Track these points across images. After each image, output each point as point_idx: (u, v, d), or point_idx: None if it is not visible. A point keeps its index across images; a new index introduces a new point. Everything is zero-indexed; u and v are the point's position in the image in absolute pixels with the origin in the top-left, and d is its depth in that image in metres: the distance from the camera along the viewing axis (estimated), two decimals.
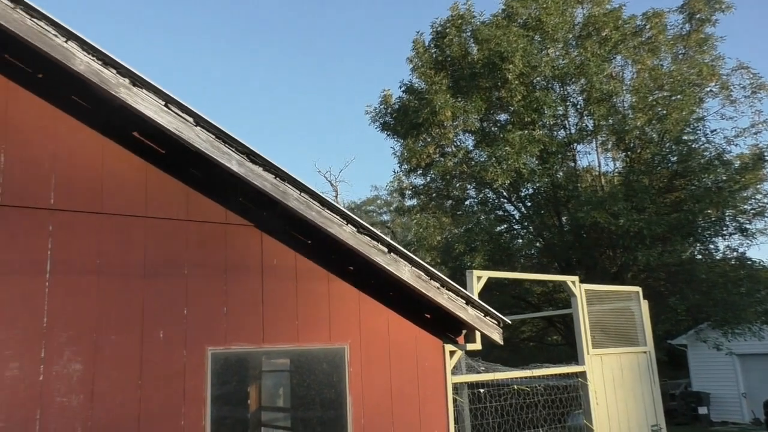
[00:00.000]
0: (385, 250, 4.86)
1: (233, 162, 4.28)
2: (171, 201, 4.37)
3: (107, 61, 3.87)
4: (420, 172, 19.38)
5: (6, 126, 3.86)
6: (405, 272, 4.94)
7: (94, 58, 3.84)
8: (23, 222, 3.79)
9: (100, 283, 3.98)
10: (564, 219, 17.39)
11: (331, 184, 32.60)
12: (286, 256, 4.80)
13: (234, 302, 4.46)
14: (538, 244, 18.35)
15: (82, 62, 3.80)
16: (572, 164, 18.01)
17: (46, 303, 3.77)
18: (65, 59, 3.75)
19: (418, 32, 22.63)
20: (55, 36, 3.73)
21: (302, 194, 4.53)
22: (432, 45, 19.19)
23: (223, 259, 4.49)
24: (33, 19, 3.67)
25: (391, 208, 34.26)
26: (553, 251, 17.15)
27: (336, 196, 32.22)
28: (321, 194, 4.58)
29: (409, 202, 21.64)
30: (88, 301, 3.91)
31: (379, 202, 37.33)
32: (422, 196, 20.17)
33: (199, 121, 4.15)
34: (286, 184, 4.47)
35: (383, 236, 4.89)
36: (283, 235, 4.80)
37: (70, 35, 3.76)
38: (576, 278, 7.73)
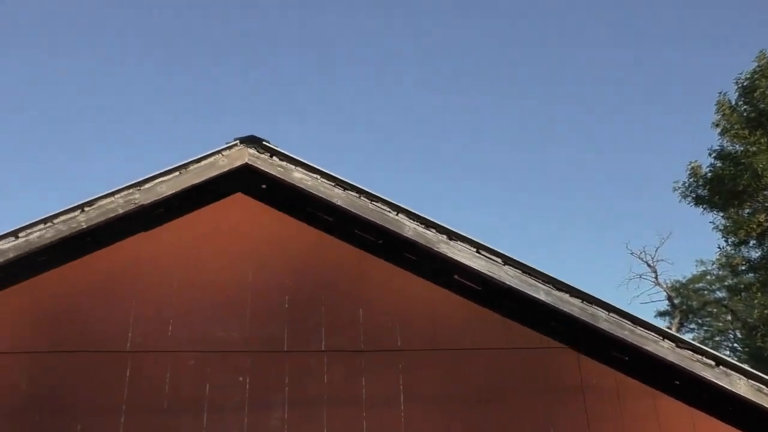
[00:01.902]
0: (712, 363, 4.60)
1: (540, 292, 4.68)
2: (491, 331, 4.92)
3: (428, 224, 4.74)
4: (752, 243, 17.12)
5: (361, 285, 4.94)
6: (741, 386, 4.57)
7: (418, 224, 4.75)
8: (380, 363, 4.71)
9: (442, 410, 4.64)
10: None
11: (648, 265, 30.45)
12: (605, 375, 4.88)
13: (560, 425, 4.69)
14: None
15: (409, 228, 4.73)
16: None
17: (403, 429, 4.54)
18: (398, 228, 4.73)
19: (720, 92, 20.75)
20: (389, 212, 4.75)
21: (611, 314, 4.67)
22: (740, 102, 17.41)
23: (544, 383, 4.81)
24: (373, 202, 4.75)
25: (725, 284, 30.28)
26: None
27: (656, 277, 29.91)
28: (631, 314, 4.65)
29: (745, 276, 19.06)
30: (433, 427, 4.58)
31: (708, 278, 33.32)
32: (761, 271, 17.60)
33: (507, 261, 4.70)
34: (594, 306, 4.67)
35: (707, 349, 4.65)
36: (599, 355, 4.93)
37: (399, 209, 4.74)
38: None
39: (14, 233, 4.31)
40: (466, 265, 4.72)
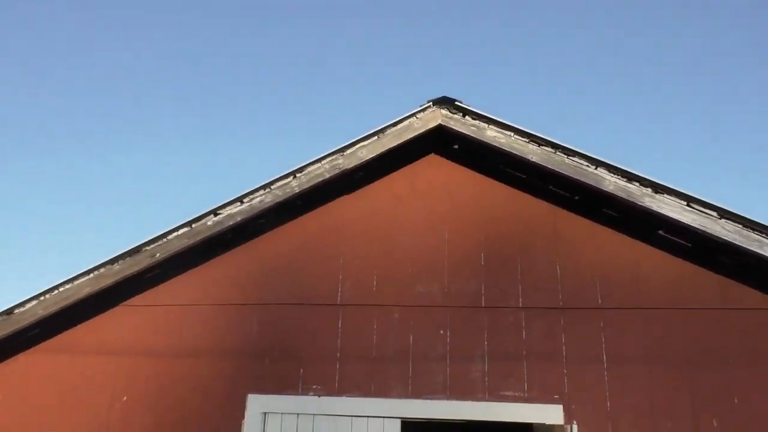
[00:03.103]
0: None
1: (765, 248, 4.24)
2: (704, 290, 4.58)
3: (630, 177, 4.49)
4: None
5: (557, 242, 4.85)
6: None
7: (619, 177, 4.52)
8: (580, 320, 4.63)
9: (648, 372, 4.45)
10: None
11: None
12: None
13: None
14: None
15: (610, 183, 4.52)
16: None
17: (607, 390, 4.44)
18: (596, 183, 4.54)
19: None
20: (587, 166, 4.57)
21: None
22: None
23: (766, 346, 4.39)
24: (569, 157, 4.61)
25: None
26: None
27: None
28: None
29: None
30: (640, 388, 4.42)
31: None
32: None
33: (724, 214, 4.31)
34: None
35: None
36: None
37: (598, 163, 4.55)
38: None
39: (239, 199, 4.86)
40: (675, 220, 4.41)
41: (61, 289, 4.78)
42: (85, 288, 4.77)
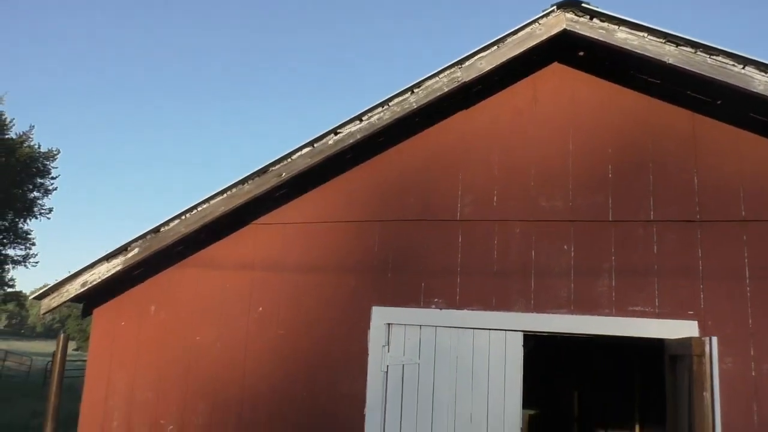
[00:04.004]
0: None
1: None
2: None
3: None
4: None
5: (695, 152, 4.50)
6: None
7: None
8: (719, 234, 4.32)
9: None
10: None
11: None
12: None
13: None
14: None
15: (760, 83, 4.08)
16: None
17: (750, 306, 4.16)
18: (744, 84, 4.11)
19: None
20: (733, 66, 4.14)
21: None
22: None
23: None
24: (712, 56, 4.19)
25: None
26: None
27: None
28: None
29: None
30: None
31: None
32: None
33: None
34: None
35: None
36: None
37: (746, 61, 4.10)
38: None
39: (359, 117, 4.91)
40: None
41: (199, 209, 5.15)
42: (220, 207, 5.09)
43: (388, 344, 4.88)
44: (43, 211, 36.56)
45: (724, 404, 3.83)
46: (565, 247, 4.60)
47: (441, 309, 4.78)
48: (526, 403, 4.67)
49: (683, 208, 4.42)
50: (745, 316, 4.14)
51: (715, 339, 3.49)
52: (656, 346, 4.49)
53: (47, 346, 51.67)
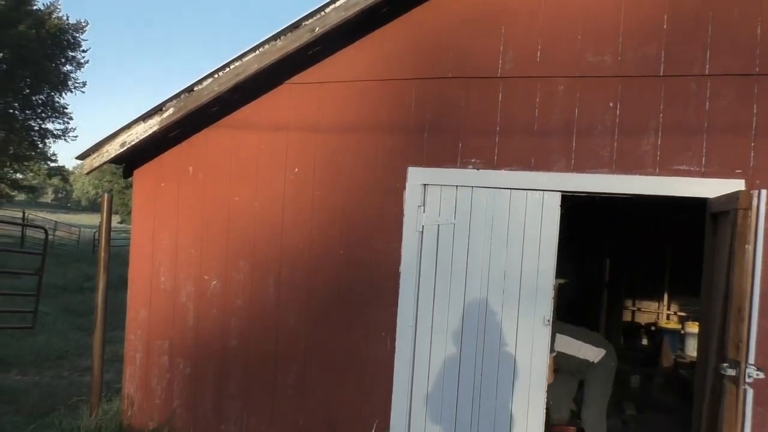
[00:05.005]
0: None
1: None
2: None
3: None
4: None
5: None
6: None
7: None
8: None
9: None
10: None
11: None
12: None
13: None
14: None
15: None
16: None
17: (752, 159, 4.00)
18: None
19: None
20: None
21: None
22: None
23: None
24: None
25: None
26: None
27: None
28: None
29: None
30: None
31: None
32: None
33: None
34: None
35: None
36: None
37: None
38: None
39: None
40: None
41: (231, 67, 5.02)
42: (254, 64, 4.96)
43: (424, 205, 4.89)
44: (77, 84, 36.71)
45: (765, 259, 3.79)
46: (611, 104, 4.40)
47: (478, 169, 4.72)
48: (557, 273, 4.70)
49: (742, 60, 4.13)
50: None
51: (764, 192, 3.37)
52: (695, 207, 4.40)
53: (93, 219, 54.10)
